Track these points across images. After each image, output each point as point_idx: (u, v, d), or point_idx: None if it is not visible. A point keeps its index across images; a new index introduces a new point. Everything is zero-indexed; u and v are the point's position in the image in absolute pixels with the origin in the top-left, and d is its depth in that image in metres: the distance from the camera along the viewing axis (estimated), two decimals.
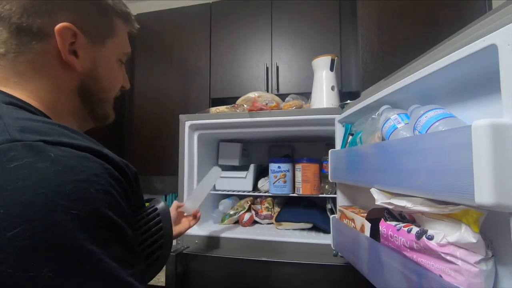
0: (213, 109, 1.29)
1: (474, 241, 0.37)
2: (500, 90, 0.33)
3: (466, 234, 0.38)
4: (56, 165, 0.27)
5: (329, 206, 1.31)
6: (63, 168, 0.27)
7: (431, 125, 0.46)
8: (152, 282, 1.21)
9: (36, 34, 0.38)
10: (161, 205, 0.52)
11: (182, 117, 1.24)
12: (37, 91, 0.40)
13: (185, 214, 0.94)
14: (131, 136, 1.91)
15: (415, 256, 0.47)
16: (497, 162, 0.30)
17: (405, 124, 0.57)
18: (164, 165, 1.82)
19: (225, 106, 1.27)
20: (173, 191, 2.04)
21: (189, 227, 0.91)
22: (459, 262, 0.39)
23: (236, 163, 1.47)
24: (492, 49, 0.34)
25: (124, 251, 0.30)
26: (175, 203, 0.92)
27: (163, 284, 1.05)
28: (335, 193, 1.11)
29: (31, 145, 0.28)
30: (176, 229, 0.85)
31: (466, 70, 0.43)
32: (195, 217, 0.94)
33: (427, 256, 0.44)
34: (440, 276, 0.41)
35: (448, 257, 0.40)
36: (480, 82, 0.43)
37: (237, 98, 1.43)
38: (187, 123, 1.23)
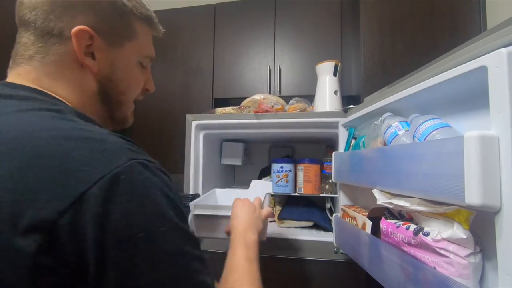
0: (219, 110, 1.32)
1: (465, 237, 0.43)
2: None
3: (458, 231, 0.43)
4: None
5: (328, 205, 1.36)
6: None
7: (429, 134, 0.51)
8: None
9: (57, 36, 0.40)
10: None
11: (188, 117, 1.26)
12: (66, 93, 0.42)
13: None
14: (132, 135, 1.90)
15: (412, 250, 0.52)
16: (484, 168, 0.35)
17: (405, 131, 0.62)
18: (166, 164, 1.78)
19: (231, 107, 1.30)
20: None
21: None
22: (451, 256, 0.44)
23: (238, 162, 1.51)
24: (482, 70, 0.39)
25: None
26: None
27: None
28: (335, 193, 1.16)
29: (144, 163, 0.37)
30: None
31: (461, 86, 0.48)
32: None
33: (423, 251, 0.50)
34: (434, 268, 0.47)
35: (442, 251, 0.45)
36: (473, 97, 0.48)
37: (240, 99, 1.45)
38: (194, 123, 1.25)
